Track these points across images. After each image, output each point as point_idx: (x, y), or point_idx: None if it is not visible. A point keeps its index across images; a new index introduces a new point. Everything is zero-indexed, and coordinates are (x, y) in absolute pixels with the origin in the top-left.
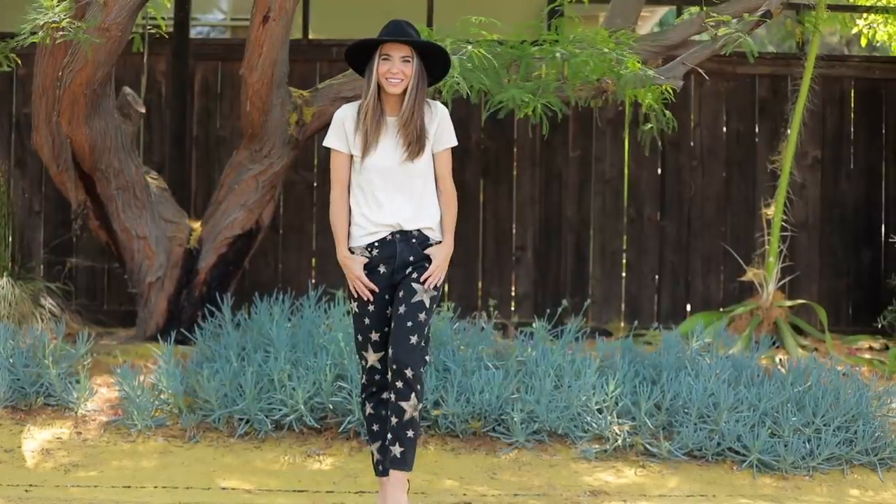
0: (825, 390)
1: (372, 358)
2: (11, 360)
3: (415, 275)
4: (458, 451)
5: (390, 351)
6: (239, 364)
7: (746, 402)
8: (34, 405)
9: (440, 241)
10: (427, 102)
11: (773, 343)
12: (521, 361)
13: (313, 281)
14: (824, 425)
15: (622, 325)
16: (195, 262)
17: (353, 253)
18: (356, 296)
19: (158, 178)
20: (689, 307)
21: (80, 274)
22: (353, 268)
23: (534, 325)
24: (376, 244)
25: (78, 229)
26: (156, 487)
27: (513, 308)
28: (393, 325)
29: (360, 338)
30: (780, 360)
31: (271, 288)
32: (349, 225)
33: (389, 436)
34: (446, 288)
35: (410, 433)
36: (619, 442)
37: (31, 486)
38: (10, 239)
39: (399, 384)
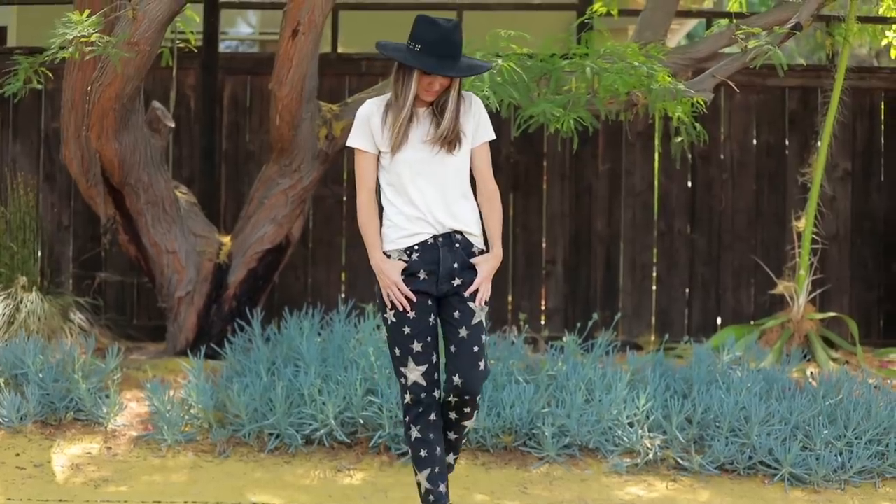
0: (857, 403)
1: (414, 374)
2: (41, 375)
3: (467, 293)
4: (489, 466)
5: (457, 379)
6: (269, 379)
7: (778, 416)
8: (64, 420)
9: (483, 250)
10: (461, 95)
11: (805, 356)
12: (552, 375)
13: (343, 295)
14: (856, 438)
15: (653, 338)
16: (225, 276)
17: (389, 257)
18: (392, 305)
19: (188, 193)
20: (719, 320)
21: (109, 288)
22: (390, 273)
23: (564, 338)
24: (416, 248)
25: (107, 244)
26: (186, 502)
27: (543, 322)
28: (455, 350)
29: (397, 351)
30: (812, 373)
31: (301, 302)
32: (381, 227)
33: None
34: None
35: (463, 442)
36: (651, 456)
37: (60, 500)
38: (40, 253)
39: (466, 409)
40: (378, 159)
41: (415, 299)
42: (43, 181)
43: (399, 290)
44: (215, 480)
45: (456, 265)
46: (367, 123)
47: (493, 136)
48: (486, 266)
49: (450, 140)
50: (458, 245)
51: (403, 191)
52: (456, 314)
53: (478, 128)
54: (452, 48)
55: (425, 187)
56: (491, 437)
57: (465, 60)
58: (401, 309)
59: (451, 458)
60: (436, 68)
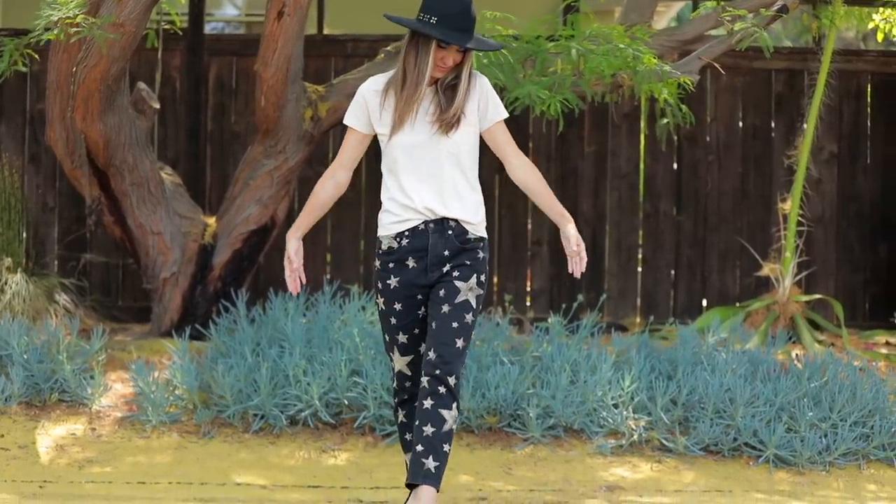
0: (842, 385)
1: (399, 363)
2: (26, 356)
3: (456, 273)
4: (473, 447)
5: (432, 354)
6: (254, 359)
7: (763, 398)
8: (48, 401)
9: (481, 238)
10: (471, 73)
11: (790, 338)
12: (537, 357)
13: (328, 276)
14: (841, 420)
15: (638, 320)
16: (210, 257)
17: (381, 242)
18: (381, 288)
19: (173, 174)
20: (705, 302)
21: (94, 270)
22: (290, 249)
23: (549, 320)
24: (406, 233)
25: (92, 225)
26: (170, 483)
27: (528, 303)
28: (435, 325)
29: (386, 338)
30: (797, 355)
31: (286, 283)
32: (380, 212)
33: (421, 447)
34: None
35: (447, 447)
36: (635, 437)
37: (45, 481)
38: (25, 235)
39: (441, 389)
40: (364, 140)
41: (304, 280)
42: (28, 162)
43: (292, 270)
44: (200, 461)
45: (447, 252)
46: (365, 104)
47: (506, 114)
48: (575, 235)
49: (451, 121)
50: (450, 232)
51: (397, 177)
52: (441, 292)
53: (487, 108)
54: (470, 22)
55: (418, 174)
56: (475, 418)
57: (477, 36)
58: (292, 287)
59: (430, 462)
60: (458, 40)
